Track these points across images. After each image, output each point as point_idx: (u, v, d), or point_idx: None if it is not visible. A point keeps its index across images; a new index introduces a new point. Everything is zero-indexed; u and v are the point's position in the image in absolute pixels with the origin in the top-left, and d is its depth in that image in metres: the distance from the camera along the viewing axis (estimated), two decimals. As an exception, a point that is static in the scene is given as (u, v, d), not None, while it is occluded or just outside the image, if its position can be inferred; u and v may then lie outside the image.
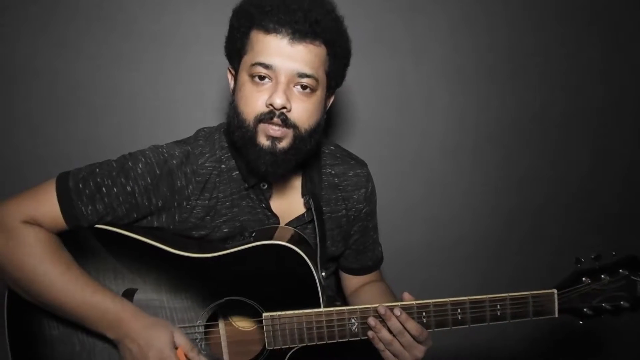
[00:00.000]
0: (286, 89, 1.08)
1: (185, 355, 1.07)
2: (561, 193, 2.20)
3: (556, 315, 1.15)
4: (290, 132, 1.11)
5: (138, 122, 1.75)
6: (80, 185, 1.08)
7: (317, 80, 1.11)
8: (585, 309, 1.16)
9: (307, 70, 1.08)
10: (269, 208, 1.26)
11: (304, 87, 1.10)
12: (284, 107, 1.08)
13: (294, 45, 1.07)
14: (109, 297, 1.05)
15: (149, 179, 1.13)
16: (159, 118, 1.76)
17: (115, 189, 1.10)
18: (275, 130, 1.09)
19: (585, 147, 2.19)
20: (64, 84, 1.68)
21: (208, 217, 1.22)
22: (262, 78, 1.09)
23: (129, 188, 1.11)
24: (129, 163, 1.13)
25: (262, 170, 1.13)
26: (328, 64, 1.15)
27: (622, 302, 1.15)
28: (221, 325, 1.23)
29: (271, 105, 1.07)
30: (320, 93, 1.14)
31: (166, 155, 1.17)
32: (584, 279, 1.15)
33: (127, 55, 1.70)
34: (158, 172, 1.14)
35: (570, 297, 1.15)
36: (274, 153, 1.10)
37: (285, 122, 1.09)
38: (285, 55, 1.07)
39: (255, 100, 1.09)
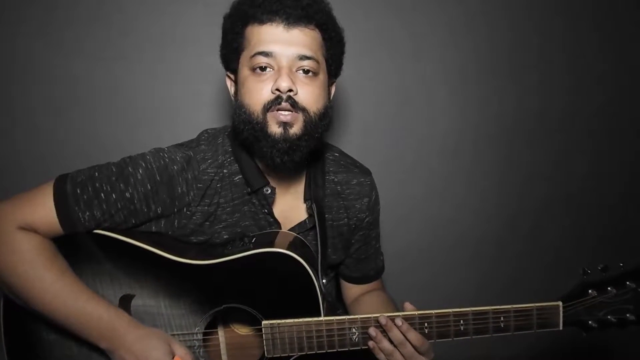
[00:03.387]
0: (289, 73, 1.08)
1: None
2: (562, 193, 2.20)
3: (561, 328, 1.13)
4: (300, 116, 1.10)
5: (138, 122, 1.73)
6: (78, 190, 1.06)
7: (317, 62, 1.12)
8: (590, 322, 1.13)
9: (307, 52, 1.09)
10: (271, 214, 1.24)
11: (306, 72, 1.11)
12: (290, 90, 1.07)
13: (289, 31, 1.08)
14: (103, 306, 1.03)
15: (148, 185, 1.11)
16: (159, 118, 1.75)
17: (114, 195, 1.08)
18: (285, 115, 1.08)
19: (586, 147, 2.19)
20: (63, 83, 1.67)
21: (207, 223, 1.20)
22: (263, 69, 1.09)
23: (127, 194, 1.09)
24: (129, 168, 1.11)
25: (277, 161, 1.11)
26: (325, 48, 1.16)
27: (628, 315, 1.13)
28: (220, 332, 1.21)
29: (277, 90, 1.07)
30: (322, 77, 1.15)
31: (167, 160, 1.14)
32: (590, 291, 1.13)
33: (127, 55, 1.69)
34: (158, 178, 1.12)
35: (575, 310, 1.13)
36: (287, 139, 1.09)
37: (294, 106, 1.08)
38: (283, 41, 1.08)
39: (260, 90, 1.09)
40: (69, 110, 1.69)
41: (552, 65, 2.06)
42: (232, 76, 1.20)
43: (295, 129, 1.09)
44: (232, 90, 1.21)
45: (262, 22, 1.09)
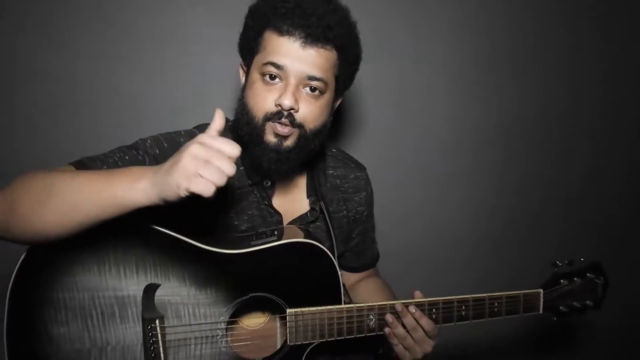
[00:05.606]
0: (295, 91, 1.12)
1: None
2: (561, 193, 2.21)
3: (541, 312, 1.32)
4: (296, 131, 1.15)
5: (138, 122, 1.71)
6: (94, 159, 1.10)
7: (325, 83, 1.15)
8: (561, 307, 1.34)
9: (317, 74, 1.12)
10: (270, 205, 1.29)
11: (312, 89, 1.14)
12: (292, 109, 1.12)
13: (305, 49, 1.10)
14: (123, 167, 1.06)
15: (157, 150, 1.17)
16: (159, 118, 1.72)
17: (127, 157, 1.13)
18: (282, 128, 1.13)
19: (585, 147, 2.19)
20: (63, 83, 1.63)
21: None
22: (272, 77, 1.12)
23: (140, 157, 1.14)
24: (139, 141, 1.19)
25: (266, 167, 1.16)
26: (338, 68, 1.18)
27: (587, 302, 1.36)
28: (243, 321, 1.22)
29: (279, 105, 1.11)
30: (328, 96, 1.19)
31: (173, 134, 1.22)
32: (562, 280, 1.34)
33: (127, 55, 1.66)
34: (166, 145, 1.18)
35: (552, 296, 1.33)
36: (279, 151, 1.14)
37: (293, 122, 1.13)
38: (296, 58, 1.10)
39: (265, 99, 1.13)
40: (69, 110, 1.66)
41: (552, 66, 2.08)
42: (245, 68, 1.24)
43: (289, 143, 1.15)
44: (242, 80, 1.25)
45: (281, 32, 1.10)
